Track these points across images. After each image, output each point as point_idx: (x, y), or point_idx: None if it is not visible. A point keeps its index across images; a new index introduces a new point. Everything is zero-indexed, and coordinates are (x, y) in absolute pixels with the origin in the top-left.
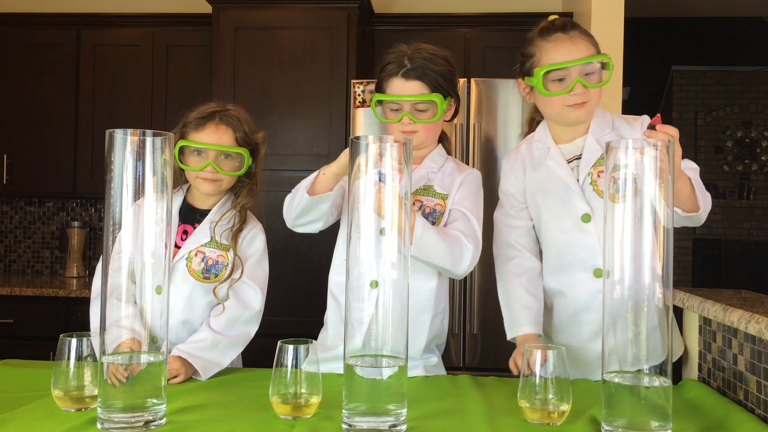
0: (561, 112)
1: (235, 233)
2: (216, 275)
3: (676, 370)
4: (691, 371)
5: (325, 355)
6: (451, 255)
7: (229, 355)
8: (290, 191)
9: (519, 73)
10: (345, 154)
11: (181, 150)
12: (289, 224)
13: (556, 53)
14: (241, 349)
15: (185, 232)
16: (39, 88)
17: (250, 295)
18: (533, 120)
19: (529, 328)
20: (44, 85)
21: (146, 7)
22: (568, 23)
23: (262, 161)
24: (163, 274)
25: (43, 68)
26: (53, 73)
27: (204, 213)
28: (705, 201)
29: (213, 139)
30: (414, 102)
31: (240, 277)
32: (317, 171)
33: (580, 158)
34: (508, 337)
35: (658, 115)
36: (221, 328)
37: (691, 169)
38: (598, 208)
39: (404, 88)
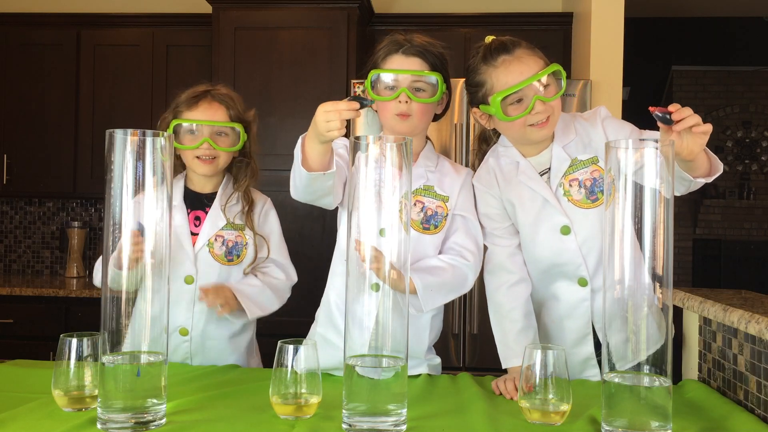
0: (524, 134)
1: (248, 214)
2: (238, 255)
3: (676, 370)
4: (691, 371)
5: None
6: (455, 290)
7: (270, 306)
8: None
9: (471, 103)
10: (318, 113)
11: (176, 131)
12: (298, 197)
13: (508, 76)
14: (276, 308)
15: (197, 218)
16: (39, 88)
17: (289, 271)
18: (484, 137)
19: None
20: (44, 85)
21: (146, 7)
22: (508, 42)
23: (256, 140)
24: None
25: (43, 68)
26: (53, 73)
27: (209, 197)
28: (716, 159)
29: (207, 116)
30: (413, 79)
31: (268, 255)
32: (299, 138)
33: (550, 170)
34: (503, 366)
35: (651, 109)
36: (269, 284)
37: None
38: (575, 220)
39: (404, 64)
